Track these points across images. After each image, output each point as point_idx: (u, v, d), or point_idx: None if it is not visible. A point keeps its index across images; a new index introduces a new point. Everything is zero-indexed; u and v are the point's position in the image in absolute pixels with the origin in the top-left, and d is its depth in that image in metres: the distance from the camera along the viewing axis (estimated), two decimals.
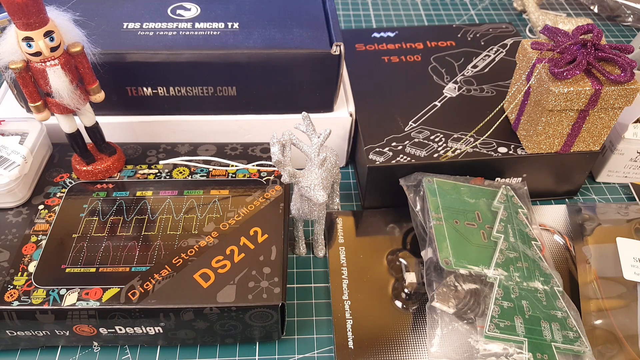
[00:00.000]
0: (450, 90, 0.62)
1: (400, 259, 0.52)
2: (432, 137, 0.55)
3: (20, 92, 0.54)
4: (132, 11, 0.56)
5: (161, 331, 0.43)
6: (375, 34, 0.71)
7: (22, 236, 0.46)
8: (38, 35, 0.40)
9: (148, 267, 0.44)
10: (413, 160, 0.53)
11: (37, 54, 0.41)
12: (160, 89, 0.54)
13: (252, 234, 0.47)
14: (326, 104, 0.57)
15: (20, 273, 0.43)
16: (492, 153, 0.54)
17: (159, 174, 0.52)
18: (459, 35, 0.71)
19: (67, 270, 0.43)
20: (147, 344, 0.46)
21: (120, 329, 0.43)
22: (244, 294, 0.42)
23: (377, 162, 0.53)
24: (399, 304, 0.48)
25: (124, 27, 0.54)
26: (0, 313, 0.41)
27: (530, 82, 0.50)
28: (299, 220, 0.51)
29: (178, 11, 0.57)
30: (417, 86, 0.62)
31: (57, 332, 0.43)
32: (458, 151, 0.54)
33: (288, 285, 0.51)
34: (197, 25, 0.55)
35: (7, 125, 0.52)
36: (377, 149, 0.54)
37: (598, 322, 0.46)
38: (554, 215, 0.57)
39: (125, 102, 0.55)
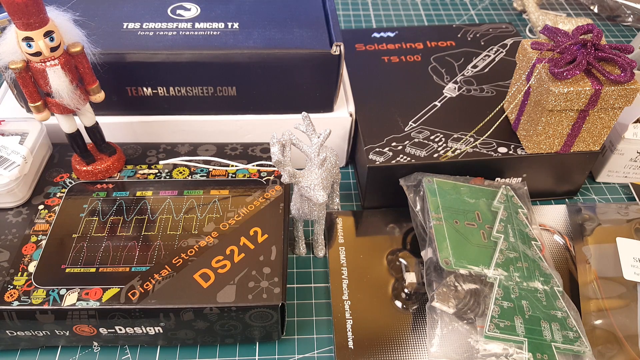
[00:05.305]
0: (450, 90, 0.62)
1: (400, 259, 0.52)
2: (432, 137, 0.55)
3: (20, 92, 0.54)
4: (132, 11, 0.56)
5: (161, 331, 0.43)
6: (375, 34, 0.71)
7: (22, 236, 0.46)
8: (38, 35, 0.40)
9: (148, 267, 0.44)
10: (413, 160, 0.53)
11: (37, 54, 0.41)
12: (160, 89, 0.54)
13: (252, 234, 0.47)
14: (326, 104, 0.57)
15: (20, 273, 0.43)
16: (492, 153, 0.54)
17: (159, 174, 0.52)
18: (459, 35, 0.71)
19: (67, 270, 0.43)
20: (147, 344, 0.46)
21: (120, 329, 0.43)
22: (244, 294, 0.42)
23: (377, 162, 0.53)
24: (399, 304, 0.48)
25: (124, 27, 0.54)
26: (0, 313, 0.41)
27: (530, 82, 0.50)
28: (299, 220, 0.51)
29: (178, 11, 0.57)
30: (417, 86, 0.62)
31: (57, 332, 0.43)
32: (458, 151, 0.54)
33: (288, 285, 0.51)
34: (197, 25, 0.55)
35: (7, 125, 0.52)
36: (377, 149, 0.54)
37: (598, 322, 0.46)
38: (554, 215, 0.57)
39: (125, 102, 0.55)
